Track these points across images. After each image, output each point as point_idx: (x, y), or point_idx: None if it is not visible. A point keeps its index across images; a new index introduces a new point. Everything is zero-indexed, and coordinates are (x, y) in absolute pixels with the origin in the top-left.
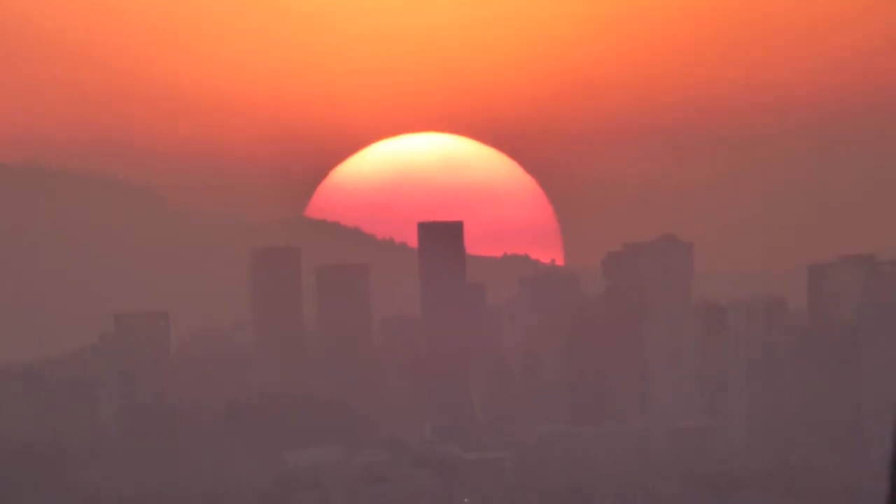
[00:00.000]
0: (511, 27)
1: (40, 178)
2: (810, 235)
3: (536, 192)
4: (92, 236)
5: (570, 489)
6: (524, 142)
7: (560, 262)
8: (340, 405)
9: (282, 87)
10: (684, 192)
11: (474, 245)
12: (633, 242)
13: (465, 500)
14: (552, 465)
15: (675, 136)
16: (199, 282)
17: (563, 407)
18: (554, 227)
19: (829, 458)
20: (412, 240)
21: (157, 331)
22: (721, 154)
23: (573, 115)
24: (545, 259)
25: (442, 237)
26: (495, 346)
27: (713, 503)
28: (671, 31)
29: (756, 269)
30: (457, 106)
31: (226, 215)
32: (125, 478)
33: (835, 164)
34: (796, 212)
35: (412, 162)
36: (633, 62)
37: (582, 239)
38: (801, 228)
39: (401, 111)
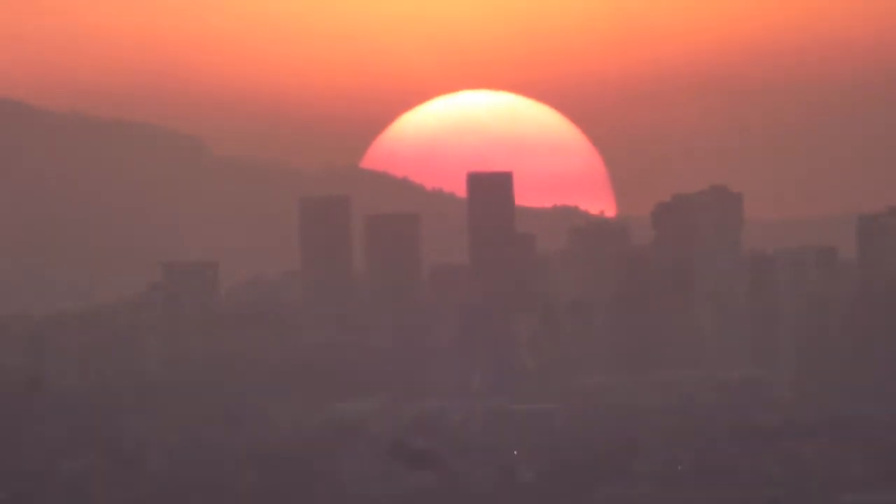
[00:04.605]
0: None
1: (87, 127)
2: (861, 185)
3: (585, 143)
4: (141, 185)
5: (618, 439)
6: (571, 95)
7: (610, 213)
8: (389, 354)
9: (346, 44)
10: (734, 141)
11: (524, 196)
12: (682, 193)
13: (514, 452)
14: (600, 415)
15: (724, 84)
16: (248, 231)
17: (611, 358)
18: (604, 178)
19: (879, 408)
20: (461, 190)
21: (205, 280)
22: (770, 103)
23: (620, 66)
24: (595, 210)
25: (491, 187)
26: (544, 296)
27: (762, 454)
28: None
29: (806, 218)
30: (501, 62)
31: (276, 166)
32: (172, 426)
33: (886, 111)
34: (846, 160)
35: (462, 116)
36: (680, 10)
37: (631, 190)
38: (851, 178)
39: (451, 69)
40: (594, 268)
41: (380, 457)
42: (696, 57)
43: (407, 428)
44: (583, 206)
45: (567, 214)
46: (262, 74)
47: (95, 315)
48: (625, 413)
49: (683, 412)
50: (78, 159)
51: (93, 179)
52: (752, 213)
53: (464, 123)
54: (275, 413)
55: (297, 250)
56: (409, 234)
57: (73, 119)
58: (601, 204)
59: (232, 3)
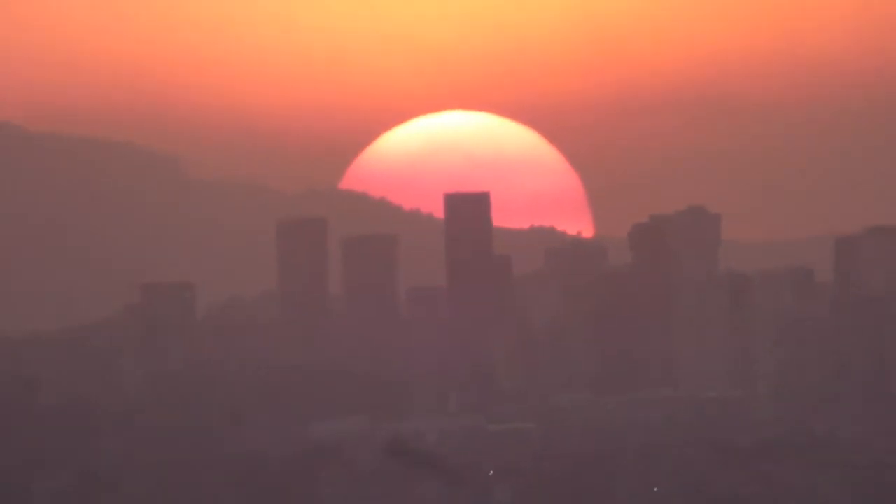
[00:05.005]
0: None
1: (65, 147)
2: (837, 206)
3: (563, 164)
4: (119, 206)
5: (595, 458)
6: (550, 115)
7: (587, 233)
8: (366, 375)
9: (325, 65)
10: (711, 162)
11: (501, 217)
12: (659, 214)
13: (490, 472)
14: (577, 434)
15: (701, 106)
16: (225, 252)
17: (589, 378)
18: (581, 198)
19: (855, 429)
20: (439, 210)
21: (183, 301)
22: (748, 123)
23: (598, 87)
24: (572, 231)
25: (468, 208)
26: (521, 317)
27: (738, 473)
28: None
29: (783, 239)
30: (481, 82)
31: (253, 186)
32: (151, 445)
33: (863, 133)
34: (824, 182)
35: (440, 136)
36: (657, 29)
37: (609, 211)
38: (828, 199)
39: (430, 89)
40: (571, 288)
41: (357, 477)
42: (674, 78)
43: (384, 448)
44: (560, 227)
45: (544, 235)
46: (240, 94)
47: (73, 336)
48: (602, 433)
49: (661, 432)
50: (57, 179)
51: (71, 199)
52: (730, 234)
53: (442, 144)
54: (252, 434)
55: (275, 271)
56: (386, 255)
57: (52, 139)
58: (579, 224)
59: (210, 24)
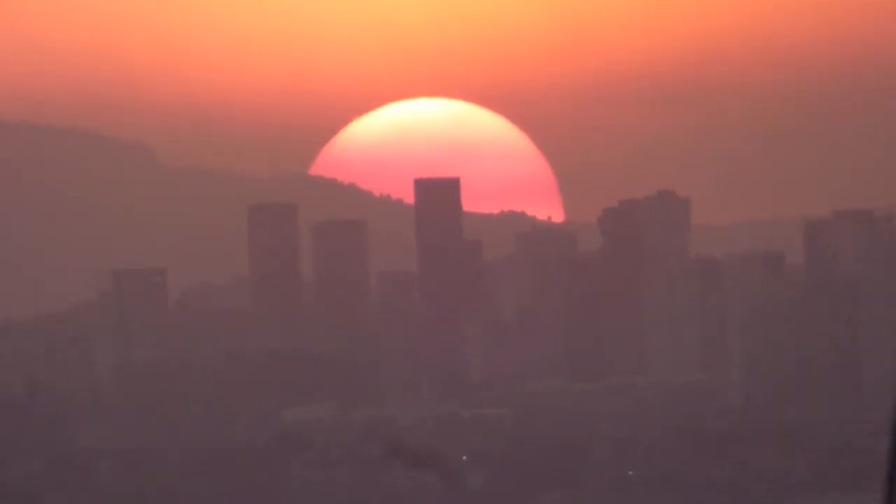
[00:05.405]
0: None
1: (34, 136)
2: (807, 190)
3: (533, 150)
4: (90, 193)
5: (567, 445)
6: (519, 102)
7: (557, 218)
8: (337, 361)
9: (297, 51)
10: (681, 147)
11: (471, 202)
12: (629, 199)
13: (464, 457)
14: (549, 420)
15: (670, 90)
16: (196, 238)
17: (559, 363)
18: (551, 183)
19: (825, 414)
20: (409, 196)
21: (154, 287)
22: (717, 108)
23: (567, 73)
24: (542, 216)
25: (439, 193)
26: (492, 302)
27: (710, 459)
28: None
29: (753, 223)
30: (451, 69)
31: (224, 172)
32: (123, 433)
33: (831, 117)
34: (792, 166)
35: (411, 123)
36: (625, 17)
37: (579, 196)
38: (797, 183)
39: (401, 76)
40: (542, 273)
41: (329, 463)
42: (641, 63)
43: (356, 435)
44: (530, 212)
45: (515, 220)
46: (210, 82)
47: (45, 323)
48: (574, 419)
49: (632, 418)
50: (26, 168)
51: (41, 188)
52: (700, 218)
53: (412, 130)
54: (224, 420)
55: (246, 257)
56: (356, 241)
57: (21, 128)
58: (548, 209)
59: (179, 10)
